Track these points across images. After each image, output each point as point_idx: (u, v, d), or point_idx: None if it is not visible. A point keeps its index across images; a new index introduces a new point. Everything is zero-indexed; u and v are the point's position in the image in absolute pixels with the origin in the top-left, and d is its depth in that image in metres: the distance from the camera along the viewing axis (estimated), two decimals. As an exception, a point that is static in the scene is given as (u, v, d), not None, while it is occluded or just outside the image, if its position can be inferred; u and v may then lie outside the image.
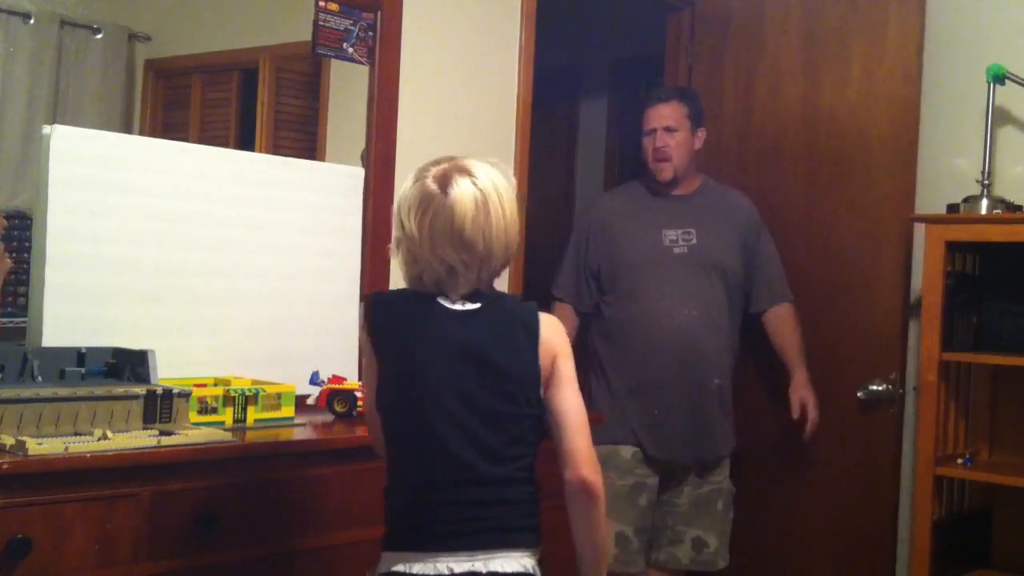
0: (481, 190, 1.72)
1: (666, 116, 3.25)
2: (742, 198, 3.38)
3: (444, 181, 1.72)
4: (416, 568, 1.69)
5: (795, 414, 3.28)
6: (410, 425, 1.75)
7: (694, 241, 3.22)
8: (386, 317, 1.79)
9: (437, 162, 1.77)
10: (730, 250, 3.26)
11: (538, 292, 3.14)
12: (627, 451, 3.17)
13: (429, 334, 1.74)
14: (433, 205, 1.71)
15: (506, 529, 1.73)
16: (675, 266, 3.20)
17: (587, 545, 1.81)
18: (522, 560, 1.73)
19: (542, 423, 1.79)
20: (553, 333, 1.79)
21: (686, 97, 3.33)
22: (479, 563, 1.69)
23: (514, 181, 1.80)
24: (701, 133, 3.31)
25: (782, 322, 3.35)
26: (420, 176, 1.75)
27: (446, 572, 1.68)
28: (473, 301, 1.76)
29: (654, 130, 3.26)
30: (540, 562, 1.77)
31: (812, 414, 3.27)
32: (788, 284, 3.34)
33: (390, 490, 1.79)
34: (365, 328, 1.80)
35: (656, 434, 3.17)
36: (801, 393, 3.29)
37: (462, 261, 1.72)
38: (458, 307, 1.75)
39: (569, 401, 1.79)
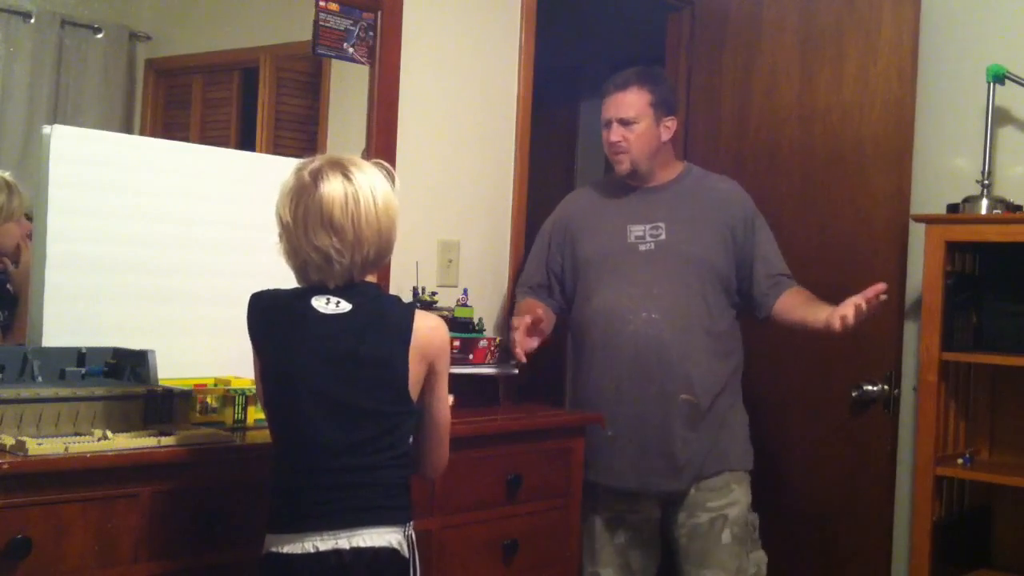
0: (352, 182, 1.81)
1: (625, 106, 2.86)
2: (728, 183, 3.02)
3: (317, 174, 1.82)
4: (287, 548, 1.78)
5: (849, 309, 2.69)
6: (287, 420, 1.84)
7: (663, 236, 2.86)
8: (262, 319, 1.87)
9: (315, 159, 1.86)
10: (708, 243, 2.88)
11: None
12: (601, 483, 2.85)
13: (302, 337, 1.81)
14: (305, 195, 1.81)
15: (370, 508, 1.81)
16: (638, 265, 2.85)
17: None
18: (387, 536, 1.81)
19: (414, 416, 1.89)
20: (429, 336, 1.87)
21: (649, 82, 2.90)
22: (343, 540, 1.78)
23: (394, 182, 1.88)
24: (670, 123, 2.91)
25: (793, 299, 2.89)
26: (297, 171, 1.85)
27: (312, 550, 1.77)
28: (348, 299, 1.82)
29: (610, 121, 2.89)
30: (409, 537, 1.85)
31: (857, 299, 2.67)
32: (792, 274, 2.98)
33: (272, 476, 1.87)
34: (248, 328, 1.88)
35: (605, 459, 2.79)
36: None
37: (334, 247, 1.79)
38: (330, 310, 1.82)
39: (439, 405, 1.93)
